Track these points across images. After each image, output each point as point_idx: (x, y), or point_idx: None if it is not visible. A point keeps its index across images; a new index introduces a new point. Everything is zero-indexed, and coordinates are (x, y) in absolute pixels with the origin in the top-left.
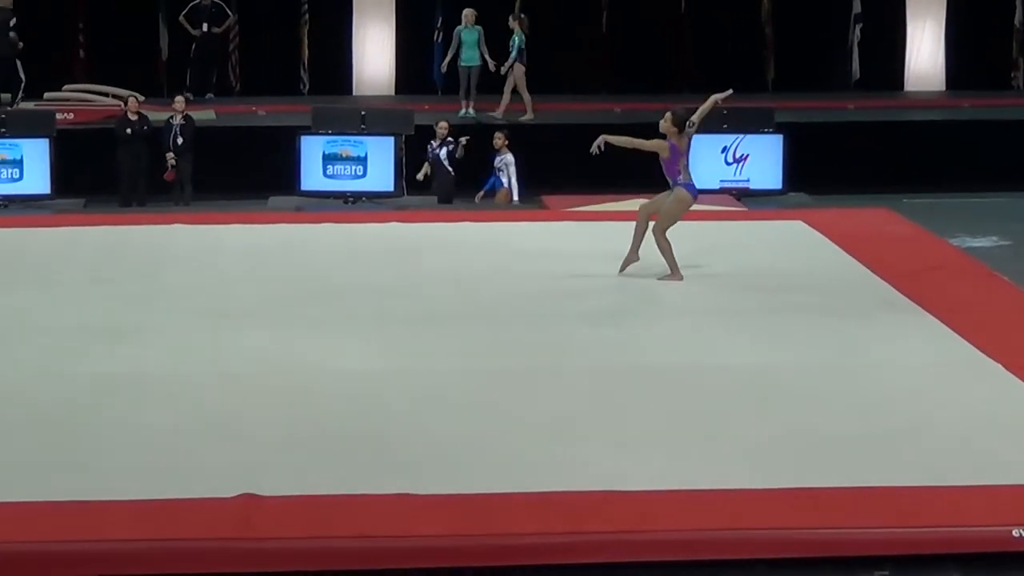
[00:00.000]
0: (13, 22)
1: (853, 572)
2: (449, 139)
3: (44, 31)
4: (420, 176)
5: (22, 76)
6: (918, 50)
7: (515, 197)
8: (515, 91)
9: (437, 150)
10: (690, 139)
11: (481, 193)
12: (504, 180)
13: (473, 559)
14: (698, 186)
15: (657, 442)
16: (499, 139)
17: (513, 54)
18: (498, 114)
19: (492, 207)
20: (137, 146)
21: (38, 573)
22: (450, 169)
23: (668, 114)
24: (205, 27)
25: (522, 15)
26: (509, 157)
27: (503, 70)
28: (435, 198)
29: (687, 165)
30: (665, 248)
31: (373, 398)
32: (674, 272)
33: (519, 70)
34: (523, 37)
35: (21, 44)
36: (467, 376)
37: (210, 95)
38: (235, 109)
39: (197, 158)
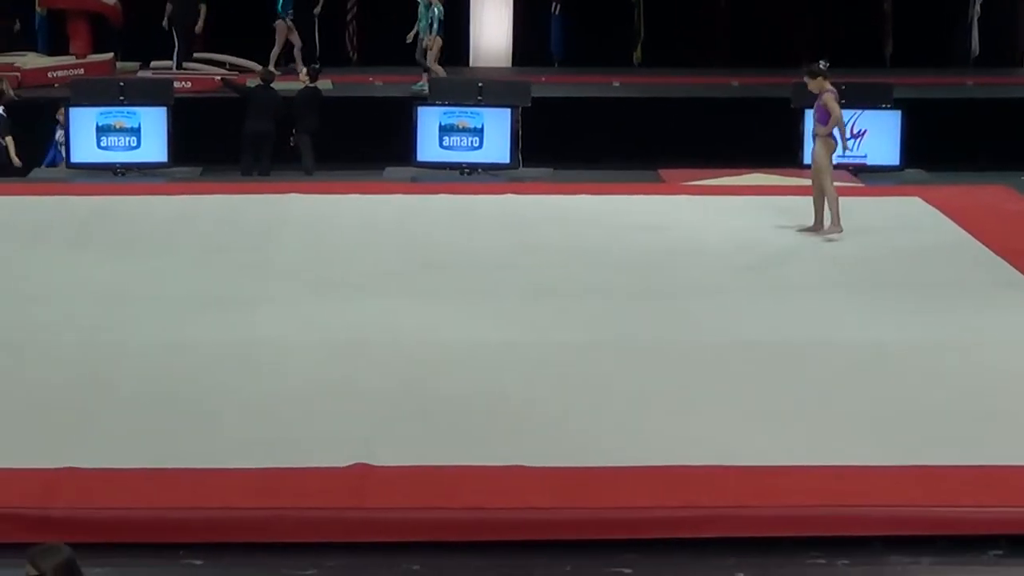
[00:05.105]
0: None
1: (967, 550)
2: None
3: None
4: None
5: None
6: None
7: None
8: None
9: None
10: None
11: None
12: (64, 153)
13: (584, 532)
14: None
15: (771, 417)
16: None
17: (432, 26)
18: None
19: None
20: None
21: (154, 539)
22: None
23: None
24: None
25: None
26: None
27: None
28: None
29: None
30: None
31: (486, 370)
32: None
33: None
34: (439, 9)
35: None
36: (579, 349)
37: (315, 64)
38: (352, 79)
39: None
